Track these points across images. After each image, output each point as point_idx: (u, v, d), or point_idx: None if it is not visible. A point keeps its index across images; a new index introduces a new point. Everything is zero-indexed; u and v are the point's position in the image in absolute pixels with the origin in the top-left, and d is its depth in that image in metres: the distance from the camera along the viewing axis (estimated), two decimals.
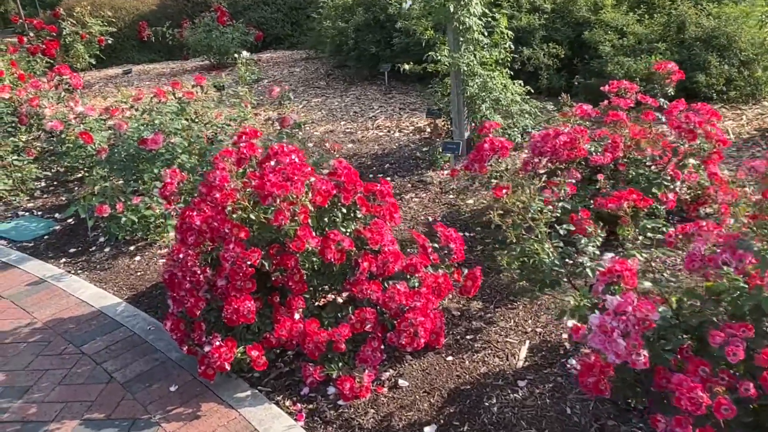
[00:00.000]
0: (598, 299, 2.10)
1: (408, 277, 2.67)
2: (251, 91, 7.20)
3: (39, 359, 2.92)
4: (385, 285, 2.65)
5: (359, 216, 2.75)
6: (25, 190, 5.22)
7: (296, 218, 2.46)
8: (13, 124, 6.39)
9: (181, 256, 2.63)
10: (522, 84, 4.83)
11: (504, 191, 2.16)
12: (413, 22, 6.29)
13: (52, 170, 5.79)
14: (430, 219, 3.90)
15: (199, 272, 2.57)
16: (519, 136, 4.76)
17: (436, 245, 2.85)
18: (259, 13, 11.96)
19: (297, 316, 2.55)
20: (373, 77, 7.69)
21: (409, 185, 4.45)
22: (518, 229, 2.09)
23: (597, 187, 3.22)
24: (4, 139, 5.41)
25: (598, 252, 1.96)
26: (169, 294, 2.92)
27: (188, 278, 2.61)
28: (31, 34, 9.66)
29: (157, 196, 4.14)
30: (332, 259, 2.49)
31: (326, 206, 2.65)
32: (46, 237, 4.44)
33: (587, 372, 2.00)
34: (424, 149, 5.03)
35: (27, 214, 4.91)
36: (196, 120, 5.52)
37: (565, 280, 2.09)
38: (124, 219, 3.93)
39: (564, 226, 2.11)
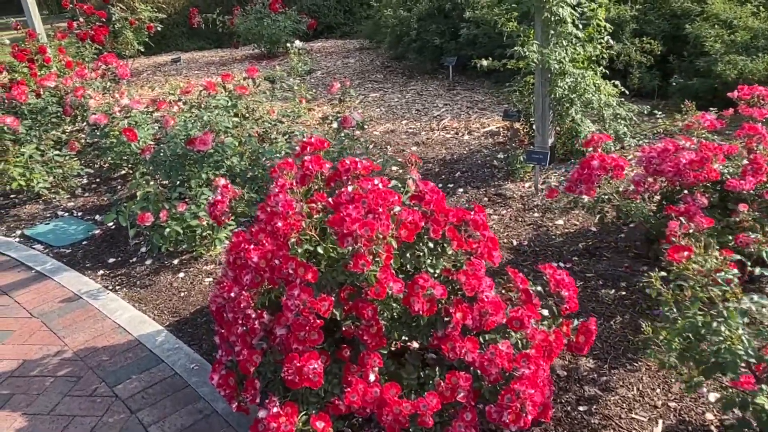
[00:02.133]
0: None
1: (510, 332, 2.15)
2: (304, 83, 6.74)
3: (66, 401, 2.52)
4: (481, 340, 2.14)
5: (449, 252, 2.23)
6: (65, 188, 4.88)
7: (378, 259, 1.95)
8: (58, 115, 6.10)
9: (232, 294, 2.17)
10: (617, 84, 4.21)
11: (684, 253, 1.60)
12: (484, 12, 5.71)
13: (95, 165, 5.46)
14: (515, 243, 3.35)
15: (253, 316, 2.11)
16: (612, 144, 4.15)
17: (539, 288, 2.32)
18: (311, 0, 11.50)
19: (372, 377, 2.05)
20: (434, 71, 7.13)
21: (486, 199, 3.90)
22: (695, 303, 1.54)
23: (735, 219, 2.62)
24: (45, 132, 5.08)
25: None
26: (217, 329, 2.48)
27: (240, 321, 2.15)
28: (81, 20, 9.43)
29: (205, 203, 3.72)
30: (420, 311, 1.98)
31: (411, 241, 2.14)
32: (84, 243, 4.07)
33: None
34: (499, 156, 4.46)
35: (66, 214, 4.57)
36: (247, 116, 5.09)
37: (743, 365, 1.54)
38: (168, 230, 3.51)
39: (755, 297, 1.55)
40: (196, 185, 3.73)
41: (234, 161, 4.13)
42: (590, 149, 2.86)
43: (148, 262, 3.67)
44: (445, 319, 2.10)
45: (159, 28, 9.32)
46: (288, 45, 9.71)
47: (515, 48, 3.84)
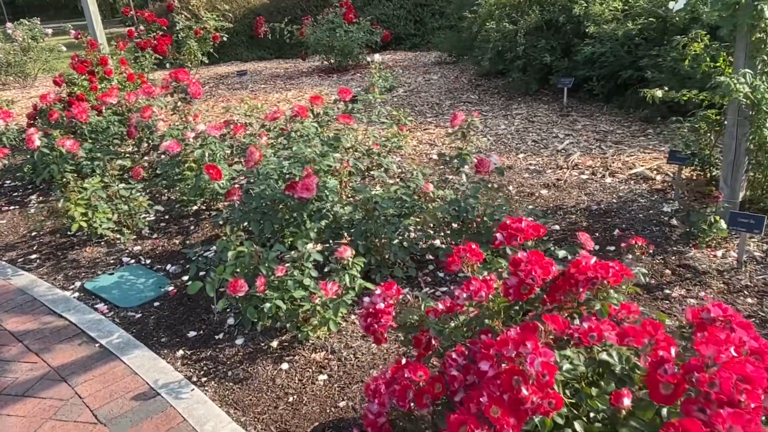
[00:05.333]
0: None
1: None
2: (388, 104, 5.95)
3: None
4: None
5: None
6: (131, 227, 4.18)
7: None
8: (120, 136, 5.46)
9: None
10: None
11: None
12: (613, 27, 4.86)
13: (162, 198, 4.76)
14: None
15: None
16: None
17: None
18: (380, 10, 10.80)
19: None
20: (537, 92, 6.25)
21: (668, 272, 3.01)
22: None
23: None
24: (110, 160, 4.39)
25: None
26: None
27: None
28: (142, 27, 8.88)
29: (310, 269, 2.94)
30: None
31: None
32: (156, 304, 3.34)
33: None
34: (665, 209, 3.57)
35: (133, 261, 3.86)
36: (336, 145, 4.31)
37: None
38: (269, 305, 2.72)
39: None
40: (302, 245, 2.93)
41: (339, 211, 3.35)
42: None
43: (239, 341, 2.90)
44: None
45: (225, 39, 8.69)
46: (359, 57, 9.00)
47: (720, 78, 2.93)
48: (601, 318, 1.54)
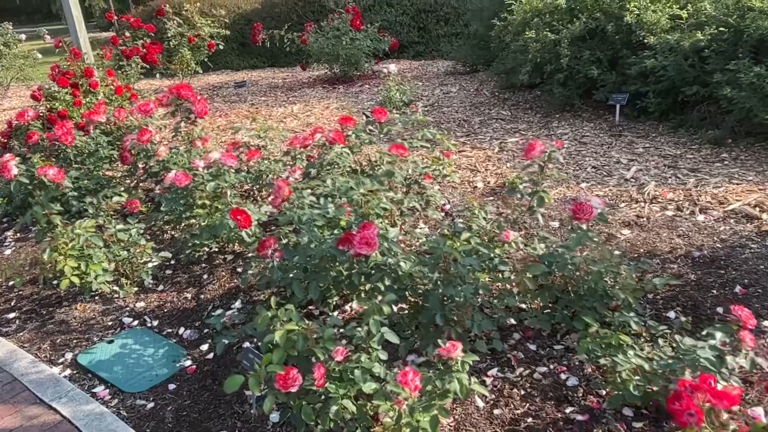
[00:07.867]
0: None
1: None
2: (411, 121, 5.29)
3: None
4: None
5: None
6: (131, 277, 3.46)
7: None
8: (110, 160, 4.73)
9: None
10: None
11: None
12: (678, 37, 4.33)
13: (165, 234, 4.05)
14: None
15: None
16: None
17: None
18: (382, 16, 10.17)
19: None
20: (576, 108, 5.65)
21: None
22: None
23: None
24: (105, 198, 3.66)
25: None
26: None
27: None
28: (127, 34, 8.10)
29: (378, 350, 2.28)
30: None
31: None
32: (172, 386, 2.64)
33: None
34: None
35: (136, 322, 3.15)
36: (385, 180, 3.67)
37: None
38: (335, 408, 2.05)
39: None
40: (376, 326, 2.25)
41: (404, 266, 2.67)
42: None
43: None
44: None
45: (221, 47, 7.95)
46: (366, 67, 8.34)
47: None
48: None
